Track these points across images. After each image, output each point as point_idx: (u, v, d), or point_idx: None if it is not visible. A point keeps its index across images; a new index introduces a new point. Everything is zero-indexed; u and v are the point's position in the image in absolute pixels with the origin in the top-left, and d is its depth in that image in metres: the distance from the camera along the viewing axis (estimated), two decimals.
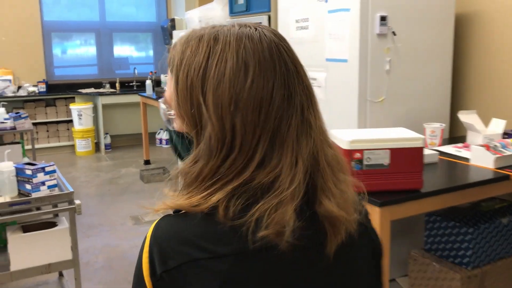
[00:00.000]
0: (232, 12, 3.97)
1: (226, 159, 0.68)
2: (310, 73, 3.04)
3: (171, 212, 0.71)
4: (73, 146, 6.94)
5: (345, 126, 2.71)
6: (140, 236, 3.91)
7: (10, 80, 6.53)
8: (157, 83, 6.50)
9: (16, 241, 2.29)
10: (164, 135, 7.34)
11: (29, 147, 4.58)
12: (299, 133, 0.70)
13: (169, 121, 0.80)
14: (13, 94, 6.51)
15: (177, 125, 0.76)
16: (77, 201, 2.36)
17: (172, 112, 0.76)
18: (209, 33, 0.71)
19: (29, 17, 6.76)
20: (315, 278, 0.71)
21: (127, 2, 7.58)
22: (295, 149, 0.69)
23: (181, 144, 0.83)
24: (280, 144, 0.69)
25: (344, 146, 1.77)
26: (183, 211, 0.69)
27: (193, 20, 4.47)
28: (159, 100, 0.83)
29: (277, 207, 0.65)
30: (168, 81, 0.76)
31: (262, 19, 3.48)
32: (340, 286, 0.73)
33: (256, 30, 0.72)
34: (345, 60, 2.71)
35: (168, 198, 0.71)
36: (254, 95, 0.67)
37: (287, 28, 3.23)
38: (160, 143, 7.35)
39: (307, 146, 0.70)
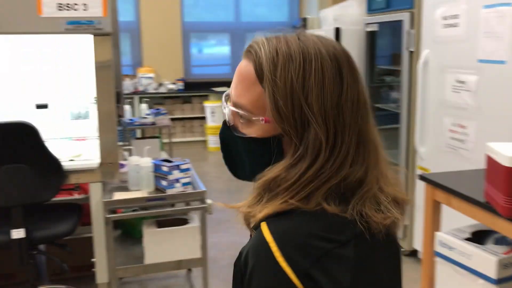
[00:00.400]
0: (370, 9, 3.76)
1: (329, 159, 0.73)
2: (458, 75, 2.74)
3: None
4: (205, 141, 7.24)
5: (500, 138, 2.39)
6: None
7: (152, 78, 7.01)
8: None
9: (151, 235, 2.38)
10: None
11: (166, 141, 4.84)
12: (374, 133, 0.79)
13: (235, 127, 0.82)
14: (154, 91, 6.99)
15: (258, 131, 0.78)
16: (208, 201, 2.39)
17: (256, 117, 0.78)
18: (294, 40, 0.77)
19: (171, 18, 7.19)
20: (395, 258, 0.83)
21: (261, 3, 7.71)
22: (375, 146, 0.78)
23: (251, 151, 0.82)
24: (365, 142, 0.76)
25: (506, 163, 1.52)
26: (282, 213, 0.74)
27: (328, 18, 4.34)
28: (227, 106, 0.83)
29: (374, 198, 0.75)
30: (245, 87, 0.78)
31: (404, 16, 3.23)
32: (399, 264, 0.85)
33: (328, 39, 0.79)
34: (502, 62, 2.39)
35: (257, 204, 0.77)
36: (350, 98, 0.75)
37: (432, 26, 2.96)
38: None
39: (380, 144, 0.79)
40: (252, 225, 0.79)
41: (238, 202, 0.85)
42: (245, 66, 0.79)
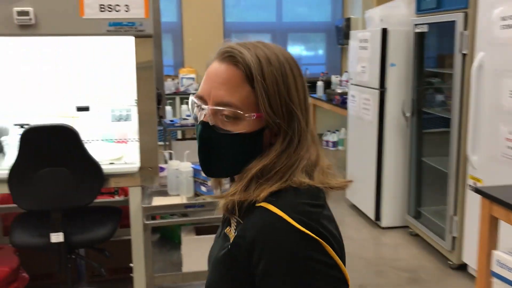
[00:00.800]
0: (420, 9, 3.59)
1: (305, 145, 0.90)
2: None
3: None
4: None
5: None
6: None
7: (193, 78, 7.01)
8: (327, 85, 6.35)
9: (189, 243, 2.33)
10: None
11: None
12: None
13: (217, 126, 0.89)
14: (195, 92, 6.96)
15: (246, 126, 0.88)
16: None
17: (248, 114, 0.87)
18: (263, 46, 0.94)
19: (213, 19, 7.17)
20: None
21: (303, 3, 7.58)
22: (315, 132, 0.96)
23: (237, 147, 0.90)
24: (312, 129, 0.94)
25: None
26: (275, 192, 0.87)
27: (374, 19, 4.19)
28: (206, 107, 0.90)
29: (326, 172, 0.92)
30: (232, 87, 0.87)
31: (457, 16, 3.05)
32: None
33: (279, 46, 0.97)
34: None
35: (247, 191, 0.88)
36: (307, 93, 0.94)
37: (488, 27, 2.78)
38: (327, 145, 7.20)
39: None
40: (235, 209, 0.89)
41: None
42: (227, 69, 0.89)
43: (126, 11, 2.18)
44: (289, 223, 0.81)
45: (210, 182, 1.05)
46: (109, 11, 2.18)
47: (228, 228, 0.94)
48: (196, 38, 7.14)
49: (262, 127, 0.89)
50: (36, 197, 2.18)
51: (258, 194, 0.86)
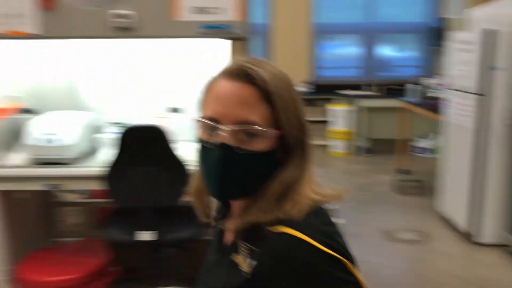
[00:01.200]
0: None
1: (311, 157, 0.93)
2: None
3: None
4: (328, 146, 7.02)
5: None
6: (391, 254, 3.61)
7: None
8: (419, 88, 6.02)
9: None
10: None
11: None
12: None
13: (238, 147, 0.86)
14: None
15: (265, 143, 0.87)
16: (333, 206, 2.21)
17: (271, 131, 0.87)
18: (265, 63, 0.92)
19: (302, 20, 7.09)
20: None
21: (394, 3, 7.28)
22: None
23: (257, 166, 0.88)
24: None
25: None
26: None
27: (477, 19, 3.89)
28: (224, 127, 0.86)
29: (319, 184, 0.93)
30: (250, 105, 0.85)
31: None
32: None
33: None
34: None
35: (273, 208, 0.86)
36: None
37: None
38: (419, 152, 6.86)
39: None
40: (251, 232, 0.86)
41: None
42: (242, 87, 0.86)
43: (220, 13, 2.17)
44: (313, 245, 0.81)
45: (197, 208, 1.02)
46: (204, 13, 2.18)
47: (236, 255, 0.90)
48: (285, 40, 7.10)
49: (279, 143, 0.89)
50: (129, 195, 2.23)
51: (287, 211, 0.84)
